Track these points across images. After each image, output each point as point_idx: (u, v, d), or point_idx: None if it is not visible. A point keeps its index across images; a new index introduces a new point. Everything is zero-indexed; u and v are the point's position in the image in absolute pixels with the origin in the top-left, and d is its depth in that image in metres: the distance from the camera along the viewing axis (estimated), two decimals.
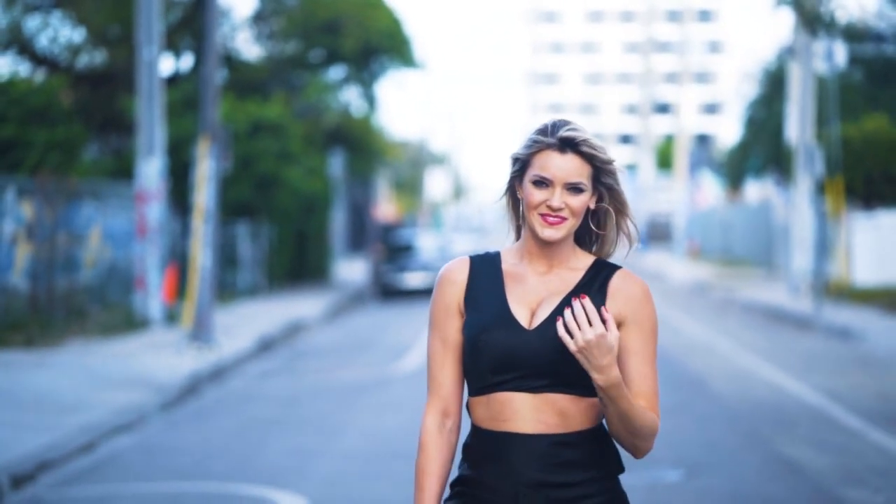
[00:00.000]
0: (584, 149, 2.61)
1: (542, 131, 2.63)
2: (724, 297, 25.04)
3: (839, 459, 8.01)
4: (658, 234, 59.41)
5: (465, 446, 2.68)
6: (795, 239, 23.94)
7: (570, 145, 2.60)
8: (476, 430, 2.65)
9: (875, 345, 15.25)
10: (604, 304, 2.61)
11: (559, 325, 2.50)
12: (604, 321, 2.49)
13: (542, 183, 2.61)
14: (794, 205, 24.39)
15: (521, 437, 2.57)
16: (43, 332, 14.39)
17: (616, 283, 2.66)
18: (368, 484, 7.26)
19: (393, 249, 27.74)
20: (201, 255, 14.58)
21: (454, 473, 2.69)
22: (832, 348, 15.31)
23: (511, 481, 2.58)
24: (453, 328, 2.67)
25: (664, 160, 69.40)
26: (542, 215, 2.61)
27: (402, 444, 8.26)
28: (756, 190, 44.60)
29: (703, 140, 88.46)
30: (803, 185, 23.59)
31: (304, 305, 21.34)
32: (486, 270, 2.69)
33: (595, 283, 2.66)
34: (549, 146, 2.61)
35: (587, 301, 2.50)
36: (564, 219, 2.61)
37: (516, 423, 2.59)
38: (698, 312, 21.38)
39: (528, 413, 2.59)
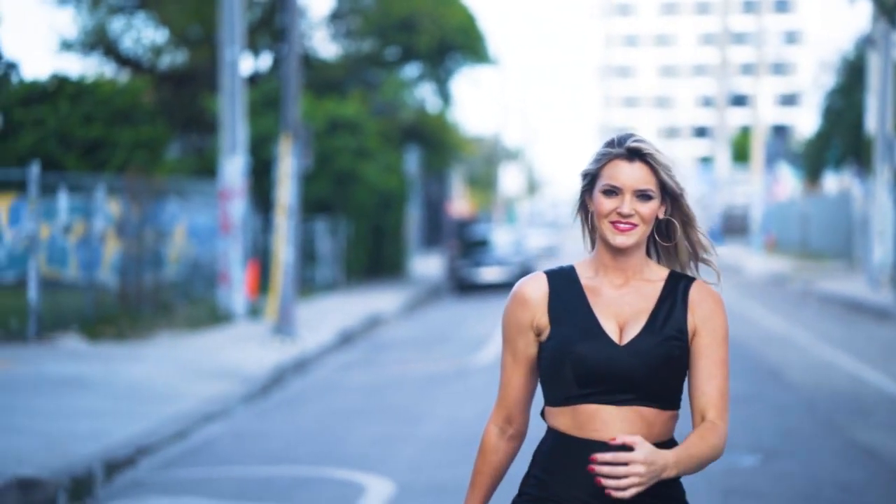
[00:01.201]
0: (650, 159, 2.69)
1: (610, 143, 2.72)
2: (801, 290, 24.89)
3: None
4: (734, 226, 58.89)
5: (539, 451, 2.75)
6: (875, 230, 23.72)
7: (637, 155, 2.69)
8: (559, 436, 2.70)
9: None
10: (685, 318, 2.70)
11: (601, 482, 2.51)
12: (625, 446, 2.52)
13: (611, 192, 2.68)
14: (873, 196, 24.17)
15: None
16: (133, 326, 14.88)
17: (694, 294, 2.73)
18: (451, 468, 7.51)
19: (468, 244, 27.99)
20: (284, 250, 14.96)
21: (522, 472, 2.77)
22: None
23: (590, 488, 2.62)
24: (524, 343, 2.75)
25: (740, 153, 68.71)
26: (613, 223, 2.68)
27: (482, 431, 8.50)
28: (835, 182, 44.01)
29: (780, 132, 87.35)
30: (882, 176, 23.36)
31: (381, 300, 21.68)
32: (565, 285, 2.75)
33: (677, 296, 2.72)
34: (617, 156, 2.69)
35: (609, 452, 2.52)
36: (635, 225, 2.68)
37: (604, 433, 2.65)
38: (775, 305, 21.32)
39: (618, 424, 2.65)
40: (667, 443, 2.69)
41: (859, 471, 7.38)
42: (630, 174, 2.69)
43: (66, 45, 25.67)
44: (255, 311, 17.49)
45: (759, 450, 7.97)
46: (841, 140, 33.81)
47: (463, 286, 26.70)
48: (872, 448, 8.05)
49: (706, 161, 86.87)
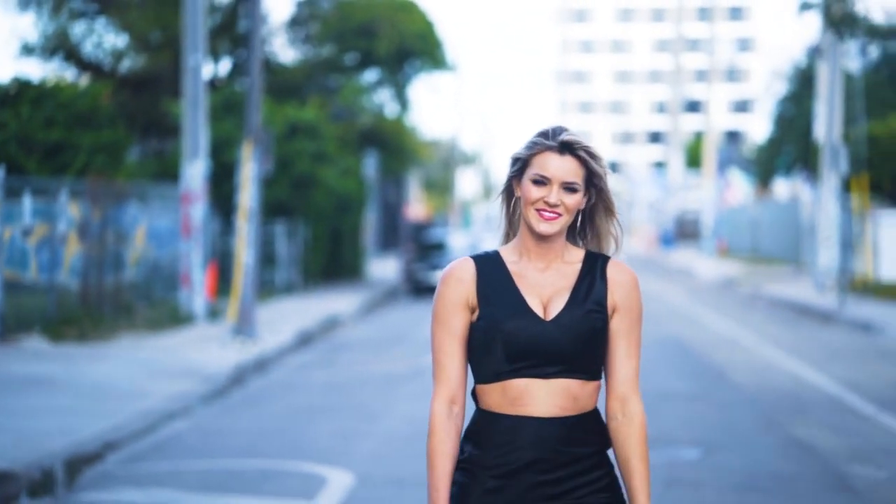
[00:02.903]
0: (581, 152, 2.85)
1: (544, 135, 2.88)
2: (750, 293, 25.49)
3: (849, 440, 8.57)
4: (687, 231, 59.72)
5: (470, 430, 2.88)
6: (821, 236, 24.37)
7: (568, 148, 2.85)
8: (486, 415, 2.85)
9: (895, 337, 15.72)
10: (605, 293, 2.88)
11: None
12: None
13: (540, 181, 2.85)
14: (820, 202, 24.81)
15: (537, 421, 2.80)
16: (95, 327, 15.10)
17: (611, 272, 2.91)
18: (410, 462, 7.88)
19: (424, 248, 28.36)
20: (245, 253, 15.25)
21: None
22: (854, 341, 15.79)
23: (521, 461, 2.80)
24: (461, 322, 2.86)
25: (694, 158, 69.62)
26: (539, 210, 2.85)
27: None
28: (786, 188, 44.83)
29: (733, 138, 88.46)
30: (829, 182, 24.00)
31: (339, 302, 22.00)
32: (491, 268, 2.89)
33: (595, 274, 2.90)
34: (549, 148, 2.85)
35: None
36: (560, 215, 2.85)
37: (532, 408, 2.80)
38: (724, 308, 21.87)
39: (544, 398, 2.80)
40: (590, 413, 2.86)
41: (793, 463, 7.83)
42: (560, 166, 2.84)
43: (28, 50, 25.75)
44: (214, 313, 17.75)
45: (701, 444, 8.41)
46: (792, 147, 34.49)
47: (419, 288, 27.07)
48: (808, 443, 8.51)
49: (660, 166, 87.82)
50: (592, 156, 2.88)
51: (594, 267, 2.91)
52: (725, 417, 9.62)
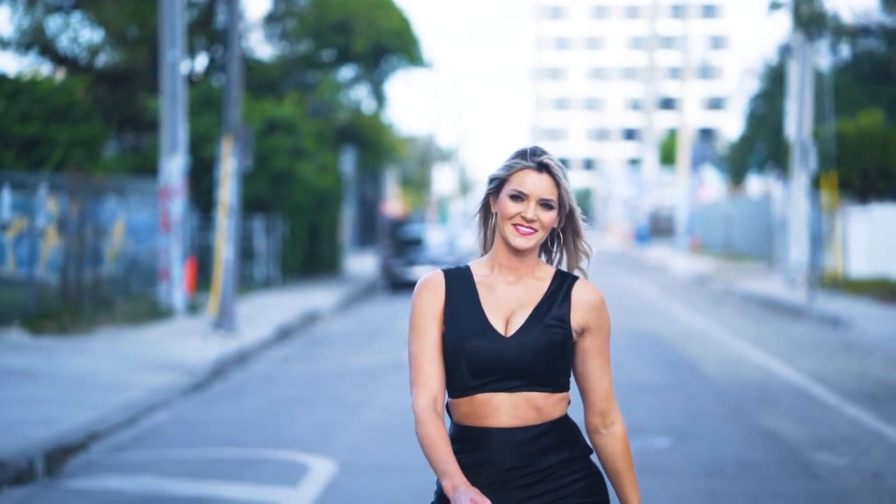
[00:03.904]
0: (556, 171, 2.99)
1: (521, 154, 3.01)
2: (722, 289, 25.83)
3: (813, 429, 8.86)
4: (661, 228, 60.16)
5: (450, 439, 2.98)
6: (792, 232, 24.73)
7: (545, 168, 2.99)
8: (457, 428, 2.98)
9: (863, 331, 16.06)
10: (568, 311, 2.98)
11: None
12: None
13: (518, 197, 2.97)
14: (790, 199, 25.18)
15: (501, 431, 2.92)
16: (74, 321, 15.23)
17: (577, 292, 3.01)
18: (390, 450, 8.10)
19: (402, 244, 28.56)
20: (225, 248, 15.42)
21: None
22: (821, 335, 16.13)
23: (493, 469, 2.92)
24: (436, 332, 2.98)
25: (668, 155, 70.09)
26: (516, 225, 2.97)
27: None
28: (759, 185, 45.27)
29: (706, 135, 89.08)
30: (799, 179, 24.35)
31: (317, 297, 22.18)
32: (460, 283, 3.00)
33: (560, 293, 3.01)
34: (527, 167, 2.99)
35: None
36: (535, 230, 2.97)
37: (496, 419, 2.93)
38: (697, 303, 22.19)
39: (507, 410, 2.92)
40: (561, 419, 2.98)
41: (760, 451, 8.11)
42: (537, 183, 2.97)
43: (3, 44, 25.76)
44: (194, 307, 17.90)
45: (671, 433, 8.68)
46: (764, 144, 34.84)
47: (396, 284, 27.28)
48: (774, 432, 8.80)
49: (635, 163, 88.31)
50: (564, 180, 3.01)
51: (561, 285, 3.01)
52: (695, 408, 9.90)
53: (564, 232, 3.09)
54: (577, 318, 2.99)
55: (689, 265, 34.94)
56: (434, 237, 29.60)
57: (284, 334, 16.40)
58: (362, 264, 35.10)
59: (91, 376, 11.35)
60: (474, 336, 2.94)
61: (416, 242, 28.59)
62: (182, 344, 14.06)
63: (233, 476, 7.49)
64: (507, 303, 2.99)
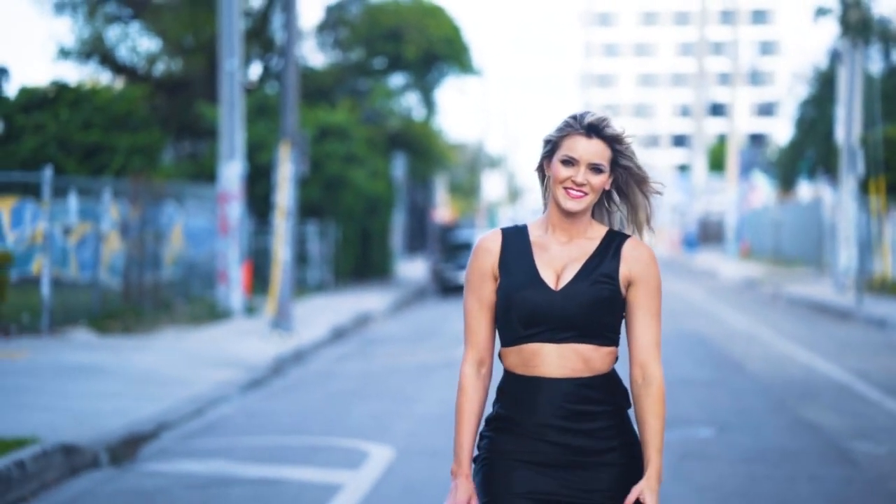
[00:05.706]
0: (607, 132, 3.08)
1: (573, 118, 3.12)
2: (771, 293, 25.98)
3: (853, 421, 9.15)
4: (710, 234, 60.08)
5: (500, 389, 3.14)
6: (840, 236, 24.83)
7: (595, 131, 3.10)
8: (509, 375, 3.10)
9: None
10: (617, 267, 3.10)
11: None
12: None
13: (569, 162, 3.09)
14: (839, 204, 25.27)
15: (549, 381, 3.05)
16: (138, 321, 15.79)
17: (627, 248, 3.13)
18: (444, 437, 8.50)
19: (451, 248, 28.97)
20: (282, 250, 15.92)
21: (489, 410, 3.17)
22: (867, 336, 16.32)
23: (539, 417, 3.05)
24: (488, 290, 3.12)
25: (717, 161, 69.94)
26: (567, 189, 3.09)
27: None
28: (809, 190, 45.15)
29: (756, 140, 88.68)
30: (848, 184, 24.45)
31: (369, 300, 22.64)
32: (516, 240, 3.14)
33: (610, 250, 3.12)
34: (577, 131, 3.10)
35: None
36: (585, 193, 3.09)
37: (545, 369, 3.05)
38: (745, 306, 22.39)
39: (555, 360, 3.04)
40: (605, 375, 3.09)
41: (800, 440, 8.42)
42: (587, 148, 3.09)
43: (64, 54, 26.55)
44: (251, 309, 18.43)
45: (715, 424, 9.01)
46: (814, 149, 34.83)
47: (446, 287, 27.69)
48: (815, 423, 9.09)
49: (684, 169, 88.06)
50: (618, 140, 3.12)
51: (611, 243, 3.13)
52: (739, 402, 10.20)
53: (627, 186, 3.17)
54: (624, 272, 3.09)
55: (738, 270, 35.02)
56: None
57: (339, 335, 16.86)
58: (413, 270, 35.55)
59: (157, 372, 11.85)
60: (525, 287, 3.07)
61: (466, 247, 28.97)
62: (241, 343, 14.55)
63: (297, 460, 7.93)
64: (559, 260, 3.11)
